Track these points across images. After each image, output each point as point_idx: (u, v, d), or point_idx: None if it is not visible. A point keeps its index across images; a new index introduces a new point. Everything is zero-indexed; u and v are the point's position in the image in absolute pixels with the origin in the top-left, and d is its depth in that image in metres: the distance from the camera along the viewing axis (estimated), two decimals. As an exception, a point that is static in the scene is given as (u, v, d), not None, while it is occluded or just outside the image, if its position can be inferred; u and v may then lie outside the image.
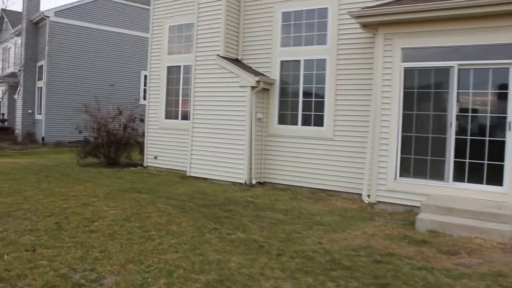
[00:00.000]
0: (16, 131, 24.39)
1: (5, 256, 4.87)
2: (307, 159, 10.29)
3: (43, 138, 22.03)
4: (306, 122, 10.51)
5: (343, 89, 9.93)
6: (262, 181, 10.79)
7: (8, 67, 27.83)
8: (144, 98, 22.94)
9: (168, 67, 12.75)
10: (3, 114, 26.73)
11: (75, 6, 22.98)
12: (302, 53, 10.56)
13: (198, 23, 11.44)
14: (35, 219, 6.52)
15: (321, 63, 10.28)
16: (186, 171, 11.49)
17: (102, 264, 4.73)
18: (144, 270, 4.61)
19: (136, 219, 6.74)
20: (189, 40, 12.31)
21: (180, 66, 12.50)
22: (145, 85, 23.64)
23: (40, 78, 23.19)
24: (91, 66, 23.05)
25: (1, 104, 27.45)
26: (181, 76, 12.46)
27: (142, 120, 13.80)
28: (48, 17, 22.09)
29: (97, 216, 6.81)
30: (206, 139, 11.09)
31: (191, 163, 11.34)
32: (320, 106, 10.26)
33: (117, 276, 4.44)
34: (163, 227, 6.30)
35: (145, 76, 23.71)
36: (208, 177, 10.95)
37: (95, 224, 6.35)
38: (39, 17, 22.62)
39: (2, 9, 28.89)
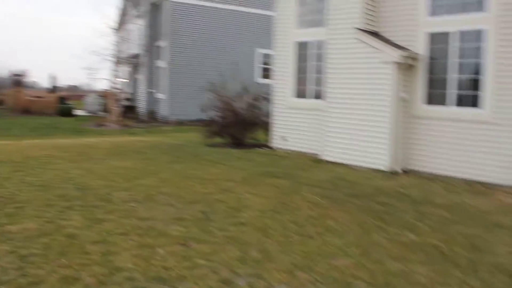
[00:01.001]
0: (139, 110, 25.47)
1: (159, 250, 4.49)
2: (461, 146, 8.94)
3: (165, 117, 22.68)
4: (459, 103, 9.13)
5: (509, 65, 8.42)
6: (405, 169, 9.67)
7: (131, 48, 29.11)
8: (264, 77, 22.56)
9: (296, 43, 11.94)
10: (131, 94, 28.01)
11: (194, -14, 23.11)
12: (454, 23, 9.15)
13: (333, -7, 10.47)
14: (179, 206, 6.15)
15: (479, 34, 8.82)
16: (318, 154, 10.71)
17: (266, 269, 4.10)
18: (317, 280, 3.91)
19: (285, 210, 6.11)
20: (319, 12, 11.38)
21: (309, 41, 11.63)
22: (264, 63, 23.26)
23: (161, 58, 23.83)
24: (211, 45, 23.11)
25: (127, 85, 28.86)
26: (311, 52, 11.60)
27: (267, 99, 13.24)
28: (168, -3, 22.47)
29: (242, 205, 6.29)
30: (343, 121, 10.16)
31: (325, 145, 10.51)
32: (477, 85, 8.84)
33: (289, 287, 3.81)
34: (318, 222, 5.58)
35: (264, 55, 23.32)
36: (344, 162, 10.06)
37: (242, 215, 5.81)
38: (160, -2, 23.12)
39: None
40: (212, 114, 13.44)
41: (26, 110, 27.45)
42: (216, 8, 23.26)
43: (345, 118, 10.15)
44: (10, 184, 7.28)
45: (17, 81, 33.13)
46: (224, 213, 5.88)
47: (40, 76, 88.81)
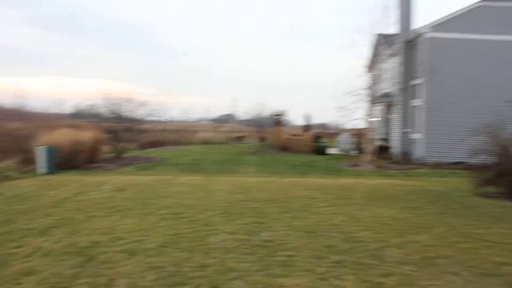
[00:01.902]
0: (392, 150, 24.64)
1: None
2: None
3: (420, 158, 21.31)
4: None
5: None
6: None
7: (385, 87, 28.75)
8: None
9: None
10: (385, 133, 27.55)
11: (452, 18, 21.36)
12: None
13: None
14: (468, 277, 5.00)
15: None
16: None
17: None
18: None
19: None
20: None
21: None
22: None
23: (417, 96, 22.68)
24: (478, 81, 20.90)
25: (380, 124, 28.52)
26: None
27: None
28: (423, 33, 21.30)
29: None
30: None
31: None
32: None
33: None
34: None
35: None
36: None
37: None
38: (415, 35, 22.11)
39: (378, 34, 30.18)
40: (483, 158, 11.71)
41: (285, 148, 29.64)
42: (481, 40, 20.99)
43: None
44: (279, 227, 7.39)
45: (277, 121, 36.28)
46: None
47: (295, 114, 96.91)
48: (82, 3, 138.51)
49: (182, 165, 18.92)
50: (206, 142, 40.75)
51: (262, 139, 38.81)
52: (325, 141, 30.11)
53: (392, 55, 26.10)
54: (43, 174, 15.03)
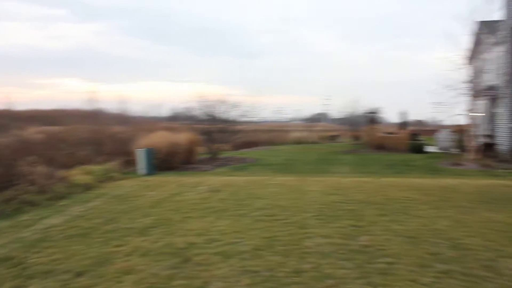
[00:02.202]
0: (499, 147, 22.73)
1: None
2: None
3: (531, 156, 19.40)
4: None
5: None
6: None
7: (488, 79, 26.64)
8: None
9: None
10: (489, 130, 25.60)
11: None
12: None
13: None
14: None
15: None
16: None
17: None
18: None
19: None
20: None
21: None
22: None
23: (527, 88, 20.68)
24: None
25: (484, 120, 26.51)
26: None
27: None
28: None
29: None
30: None
31: None
32: None
33: None
34: None
35: None
36: None
37: None
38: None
39: (480, 21, 28.05)
40: None
41: (379, 146, 28.56)
42: None
43: None
44: (378, 230, 7.01)
45: (371, 118, 35.17)
46: None
47: (389, 111, 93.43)
48: (176, 12, 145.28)
49: (275, 166, 18.92)
50: (298, 142, 40.60)
51: (356, 137, 37.89)
52: (422, 138, 28.61)
53: (496, 44, 24.10)
54: (142, 175, 15.80)
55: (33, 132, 26.75)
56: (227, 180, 13.66)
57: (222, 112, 22.68)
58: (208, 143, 21.97)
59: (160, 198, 10.70)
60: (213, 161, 20.66)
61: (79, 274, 5.29)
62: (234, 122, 23.17)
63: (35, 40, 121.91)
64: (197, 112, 23.02)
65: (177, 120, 38.30)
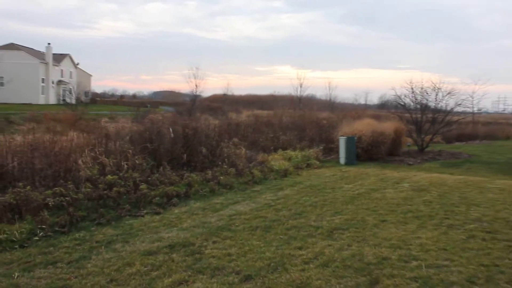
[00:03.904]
0: None
1: None
2: None
3: None
4: None
5: None
6: None
7: None
8: None
9: None
10: None
11: None
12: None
13: None
14: None
15: None
16: None
17: None
18: None
19: None
20: None
21: None
22: None
23: None
24: None
25: None
26: None
27: None
28: None
29: None
30: None
31: None
32: None
33: None
34: None
35: None
36: None
37: None
38: None
39: None
40: None
41: None
42: None
43: None
44: None
45: None
46: None
47: None
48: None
49: (496, 165, 15.91)
50: (527, 138, 34.45)
51: None
52: None
53: None
54: (342, 165, 14.90)
55: (245, 116, 28.37)
56: (435, 178, 11.77)
57: (435, 101, 20.22)
58: (417, 134, 19.83)
59: (356, 192, 9.63)
60: (421, 154, 18.53)
61: (246, 278, 4.60)
62: (447, 112, 20.46)
63: (253, 31, 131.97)
64: (407, 100, 21.02)
65: (385, 108, 36.37)
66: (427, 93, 20.17)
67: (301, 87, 59.55)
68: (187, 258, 5.26)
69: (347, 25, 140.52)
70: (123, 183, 8.74)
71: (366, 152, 16.34)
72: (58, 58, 59.71)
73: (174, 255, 5.37)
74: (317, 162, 14.62)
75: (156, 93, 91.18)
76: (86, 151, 10.11)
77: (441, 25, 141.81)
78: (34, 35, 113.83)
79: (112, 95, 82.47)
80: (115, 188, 8.27)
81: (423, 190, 9.83)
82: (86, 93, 61.96)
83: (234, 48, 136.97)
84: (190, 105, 45.49)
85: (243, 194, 9.42)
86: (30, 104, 41.32)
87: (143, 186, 8.72)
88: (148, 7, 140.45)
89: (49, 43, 56.57)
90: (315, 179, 11.65)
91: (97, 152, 10.30)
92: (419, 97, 20.40)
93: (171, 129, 12.60)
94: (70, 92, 53.34)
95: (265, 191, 9.83)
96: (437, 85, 20.10)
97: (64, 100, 53.26)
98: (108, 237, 6.17)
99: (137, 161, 10.38)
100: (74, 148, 10.15)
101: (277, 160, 13.73)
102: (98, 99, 67.28)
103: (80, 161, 9.71)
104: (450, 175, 12.60)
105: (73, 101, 45.92)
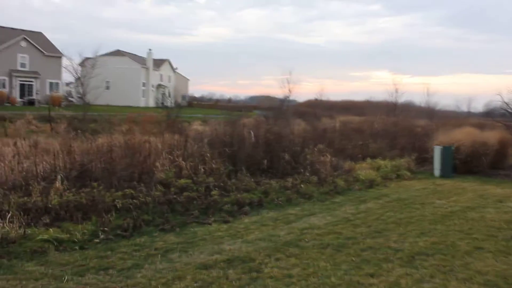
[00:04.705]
0: None
1: None
2: None
3: None
4: None
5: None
6: None
7: None
8: None
9: None
10: None
11: None
12: None
13: None
14: None
15: None
16: None
17: None
18: None
19: None
20: None
21: None
22: None
23: None
24: None
25: None
26: None
27: None
28: None
29: None
30: None
31: None
32: None
33: None
34: None
35: None
36: None
37: None
38: None
39: None
40: None
41: None
42: None
43: None
44: None
45: None
46: None
47: None
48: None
49: None
50: None
51: None
52: None
53: None
54: (436, 177, 13.55)
55: (337, 121, 27.37)
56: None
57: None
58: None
59: (449, 210, 8.54)
60: (532, 169, 16.41)
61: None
62: None
63: (350, 35, 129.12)
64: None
65: (490, 117, 33.29)
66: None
67: (397, 92, 56.81)
68: (243, 276, 4.77)
69: (447, 27, 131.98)
70: (195, 187, 8.51)
71: (464, 164, 14.75)
72: (158, 63, 62.76)
73: (230, 271, 4.91)
74: (408, 173, 13.44)
75: (252, 98, 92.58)
76: (163, 153, 10.07)
77: None
78: (137, 41, 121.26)
79: (209, 100, 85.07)
80: (185, 193, 8.06)
81: (532, 212, 8.47)
82: (183, 97, 64.45)
83: (330, 53, 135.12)
84: (279, 110, 45.27)
85: (321, 206, 8.76)
86: (131, 107, 43.72)
87: (214, 192, 8.41)
88: (245, 13, 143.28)
89: (150, 49, 59.67)
90: (403, 192, 10.63)
91: (176, 155, 10.23)
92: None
93: (252, 133, 12.26)
94: (169, 96, 55.72)
95: (346, 203, 9.08)
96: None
97: (162, 103, 55.76)
98: (168, 244, 5.88)
99: (214, 165, 10.15)
100: (153, 150, 10.17)
101: (364, 169, 12.82)
102: (195, 102, 69.72)
103: (157, 163, 9.69)
104: None
105: (171, 104, 47.79)
